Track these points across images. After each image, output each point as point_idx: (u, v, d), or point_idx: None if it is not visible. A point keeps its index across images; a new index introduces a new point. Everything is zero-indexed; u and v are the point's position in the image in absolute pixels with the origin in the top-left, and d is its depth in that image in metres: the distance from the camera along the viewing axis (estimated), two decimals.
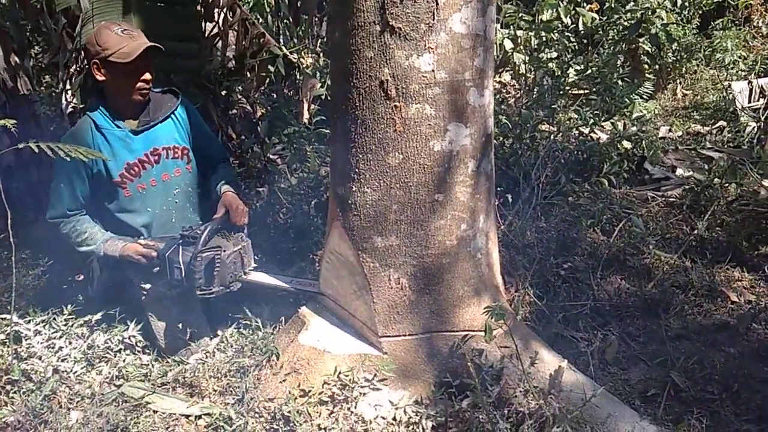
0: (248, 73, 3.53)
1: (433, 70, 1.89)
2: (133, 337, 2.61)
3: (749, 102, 5.71)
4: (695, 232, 3.10)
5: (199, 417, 2.06)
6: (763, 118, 5.31)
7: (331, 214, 2.18)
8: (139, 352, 2.62)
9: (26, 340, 2.56)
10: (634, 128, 4.26)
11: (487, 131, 2.09)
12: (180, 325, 2.56)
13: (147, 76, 2.35)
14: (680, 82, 7.86)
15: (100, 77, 2.33)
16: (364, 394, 1.99)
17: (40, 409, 2.17)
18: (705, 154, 5.09)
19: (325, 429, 1.90)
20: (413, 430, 1.88)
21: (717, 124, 5.77)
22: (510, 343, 2.05)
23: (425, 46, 1.87)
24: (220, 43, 3.38)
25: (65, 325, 2.68)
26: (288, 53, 3.46)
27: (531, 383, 1.94)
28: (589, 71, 4.73)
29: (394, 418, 1.92)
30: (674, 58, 7.80)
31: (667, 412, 2.10)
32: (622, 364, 2.36)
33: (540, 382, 1.98)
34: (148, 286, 2.55)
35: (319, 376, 2.03)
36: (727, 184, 3.44)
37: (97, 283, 2.81)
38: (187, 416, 2.06)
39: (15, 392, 2.27)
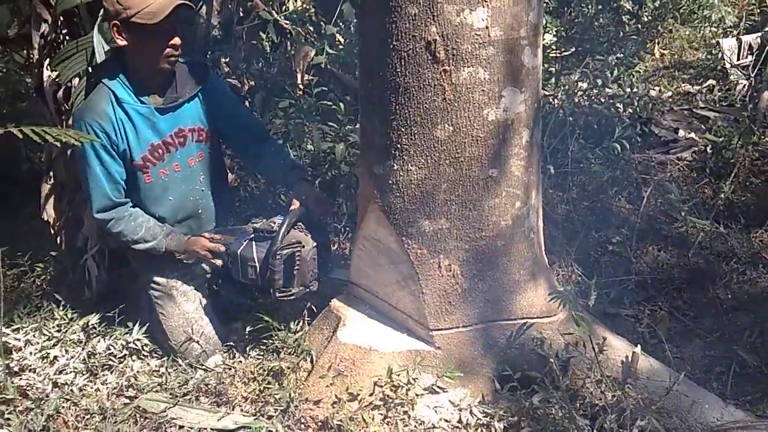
0: (235, 42, 3.22)
1: (487, 27, 1.65)
2: (138, 340, 2.35)
3: (738, 59, 5.62)
4: (722, 195, 2.98)
5: (235, 431, 1.83)
6: (753, 75, 5.24)
7: (366, 196, 1.94)
8: (145, 356, 2.37)
9: (17, 351, 2.28)
10: (640, 90, 4.10)
11: (538, 96, 1.87)
12: (194, 324, 2.30)
13: (176, 40, 2.03)
14: (658, 42, 7.76)
15: (121, 41, 2.02)
16: (420, 395, 1.79)
17: (43, 431, 1.91)
18: (700, 114, 5.01)
19: None
20: None
21: (706, 84, 5.69)
22: (573, 329, 1.87)
23: None
24: (204, 8, 3.05)
25: (59, 331, 2.41)
26: (279, 19, 3.16)
27: (603, 372, 1.77)
28: (566, 34, 4.53)
29: (460, 421, 1.73)
30: (651, 18, 7.68)
31: (735, 390, 1.97)
32: (676, 340, 2.22)
33: (612, 370, 1.81)
34: (161, 280, 2.28)
35: (367, 377, 1.82)
36: (746, 145, 3.31)
37: (96, 284, 2.53)
38: (221, 430, 1.83)
39: (11, 413, 2.00)
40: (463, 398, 1.79)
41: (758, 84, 5.11)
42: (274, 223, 2.07)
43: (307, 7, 3.32)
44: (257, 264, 2.04)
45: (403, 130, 1.75)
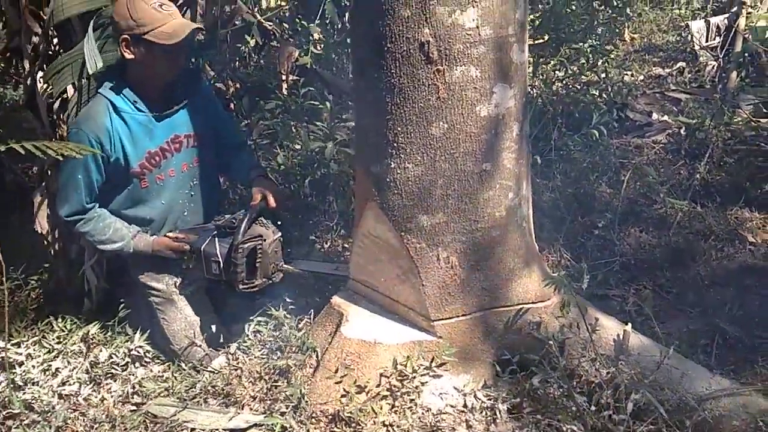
0: (220, 46, 3.23)
1: (477, 27, 1.72)
2: (140, 347, 2.38)
3: (707, 41, 5.78)
4: (697, 176, 3.10)
5: (246, 429, 1.88)
6: (721, 56, 5.40)
7: (363, 195, 2.00)
8: (148, 363, 2.40)
9: (18, 366, 2.29)
10: (614, 76, 4.21)
11: (525, 89, 1.95)
12: (196, 327, 2.34)
13: (183, 60, 2.13)
14: (628, 26, 7.90)
15: (128, 55, 2.07)
16: (425, 383, 1.86)
17: None
18: (672, 96, 5.15)
19: (391, 426, 1.76)
20: (488, 415, 1.77)
21: (677, 66, 5.84)
22: (566, 313, 1.96)
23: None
24: (188, 12, 3.05)
25: (59, 343, 2.42)
26: (263, 20, 3.18)
27: (597, 351, 1.86)
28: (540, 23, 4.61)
29: (465, 405, 1.81)
30: (621, 2, 7.81)
31: (719, 360, 2.08)
32: (661, 317, 2.32)
33: (605, 349, 1.90)
34: (160, 286, 2.31)
35: (373, 369, 1.88)
36: (718, 126, 3.44)
37: (96, 294, 2.54)
38: (233, 430, 1.88)
39: (17, 427, 2.02)
40: (466, 384, 1.87)
41: (726, 65, 5.27)
42: (236, 219, 2.15)
43: (282, 4, 3.33)
44: (220, 259, 2.13)
45: (399, 129, 1.81)
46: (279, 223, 2.29)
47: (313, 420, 1.80)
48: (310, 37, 3.21)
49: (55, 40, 2.32)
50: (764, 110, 4.07)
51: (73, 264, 2.67)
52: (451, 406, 1.81)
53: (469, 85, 1.76)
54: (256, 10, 3.33)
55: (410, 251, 1.91)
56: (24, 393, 2.16)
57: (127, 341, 2.41)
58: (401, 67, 1.75)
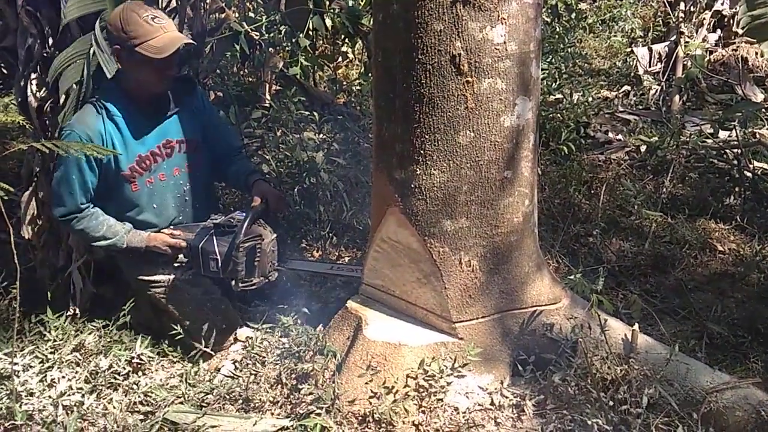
0: (204, 54, 3.21)
1: (504, 42, 1.82)
2: (142, 354, 2.32)
3: (649, 66, 6.19)
4: (664, 190, 3.32)
5: None
6: (663, 81, 5.80)
7: (384, 201, 2.05)
8: (150, 371, 2.34)
9: (16, 376, 2.18)
10: (575, 97, 4.45)
11: (539, 103, 2.06)
12: (208, 303, 2.39)
13: (172, 71, 2.15)
14: (568, 51, 8.33)
15: (119, 65, 2.11)
16: (451, 383, 1.92)
17: None
18: (622, 117, 5.48)
19: (421, 425, 1.81)
20: (514, 412, 1.85)
21: (622, 89, 6.21)
22: (576, 314, 2.08)
23: (498, 16, 1.79)
24: (176, 19, 3.02)
25: (53, 353, 2.33)
26: (250, 30, 3.19)
27: (609, 350, 1.98)
28: None
29: (492, 403, 1.88)
30: (563, 28, 8.24)
31: (709, 359, 2.24)
32: (649, 320, 2.47)
33: (615, 348, 2.02)
34: (162, 277, 2.32)
35: (399, 370, 1.93)
36: (678, 144, 3.71)
37: (81, 297, 2.47)
38: None
39: None
40: (489, 383, 1.94)
41: (669, 89, 5.68)
42: (234, 218, 2.20)
43: (274, 18, 3.36)
44: (219, 257, 2.17)
45: (426, 137, 1.88)
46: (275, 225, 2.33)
47: (346, 421, 1.82)
48: (298, 48, 3.22)
49: (50, 41, 2.26)
50: (709, 131, 4.42)
51: (61, 270, 2.58)
52: (479, 405, 1.87)
53: (495, 97, 1.85)
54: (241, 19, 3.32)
55: (433, 255, 1.97)
56: (21, 405, 2.07)
57: (125, 349, 2.35)
58: (431, 77, 1.83)
